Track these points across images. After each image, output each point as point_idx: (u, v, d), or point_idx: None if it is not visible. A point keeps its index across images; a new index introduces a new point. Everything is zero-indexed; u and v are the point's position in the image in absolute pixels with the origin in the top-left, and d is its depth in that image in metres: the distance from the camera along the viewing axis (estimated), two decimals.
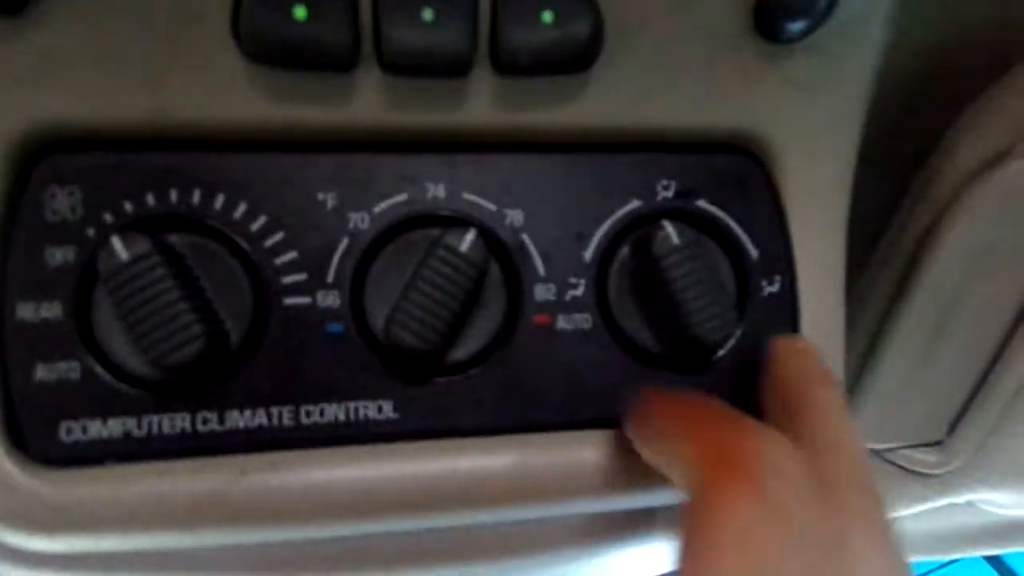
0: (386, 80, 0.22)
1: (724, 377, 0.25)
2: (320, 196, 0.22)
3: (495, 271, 0.24)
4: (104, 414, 0.21)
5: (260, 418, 0.22)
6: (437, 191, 0.23)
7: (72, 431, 0.21)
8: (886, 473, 0.37)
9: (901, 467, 0.37)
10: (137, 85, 0.21)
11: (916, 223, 0.30)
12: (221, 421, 0.22)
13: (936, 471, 0.36)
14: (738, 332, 0.25)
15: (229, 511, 0.22)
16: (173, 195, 0.22)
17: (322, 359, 0.22)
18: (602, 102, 0.23)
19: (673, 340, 0.24)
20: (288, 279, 0.22)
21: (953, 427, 0.35)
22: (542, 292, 0.24)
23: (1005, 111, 0.28)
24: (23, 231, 0.21)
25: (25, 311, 0.21)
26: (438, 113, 0.23)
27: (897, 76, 0.27)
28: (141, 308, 0.20)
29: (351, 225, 0.23)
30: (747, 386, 0.24)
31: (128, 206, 0.21)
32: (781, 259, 0.25)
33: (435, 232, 0.22)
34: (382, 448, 0.23)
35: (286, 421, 0.22)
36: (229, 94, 0.21)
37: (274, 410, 0.22)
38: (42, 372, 0.21)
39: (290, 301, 0.22)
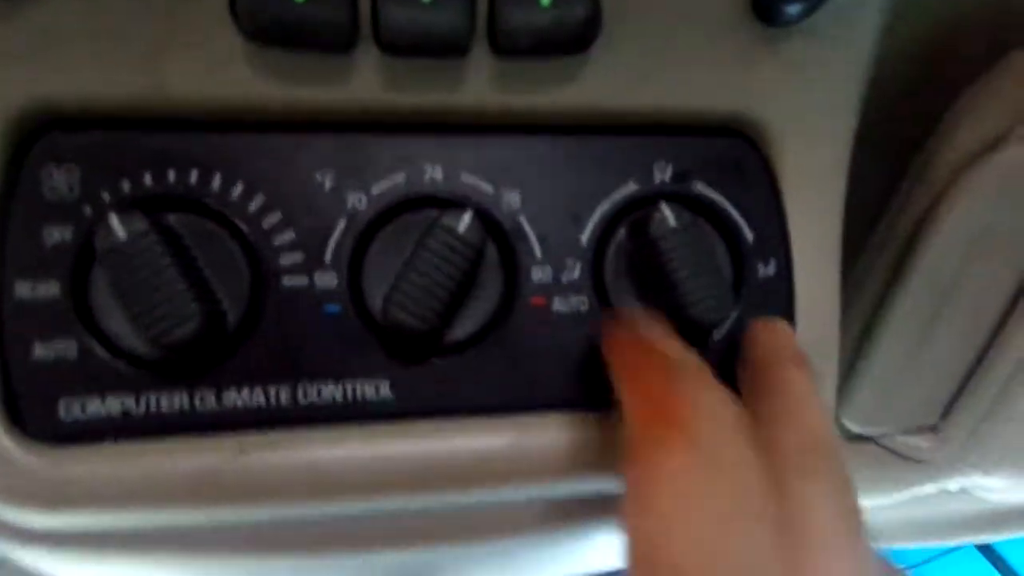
0: (384, 61, 0.22)
1: (720, 358, 0.25)
2: (318, 177, 0.22)
3: (492, 253, 0.24)
4: (102, 392, 0.21)
5: (258, 397, 0.22)
6: (435, 172, 0.23)
7: (71, 409, 0.21)
8: (879, 458, 0.38)
9: (894, 452, 0.37)
10: (135, 64, 0.21)
11: (913, 207, 0.30)
12: (219, 400, 0.22)
13: (929, 456, 0.37)
14: (734, 314, 0.25)
15: (226, 489, 0.22)
16: (171, 175, 0.22)
17: (320, 339, 0.22)
18: (600, 84, 0.23)
19: (669, 321, 0.24)
20: (286, 259, 0.22)
21: (947, 412, 0.35)
22: (539, 274, 0.24)
23: (1003, 95, 0.28)
24: (20, 210, 0.21)
25: (23, 289, 0.21)
26: (436, 94, 0.23)
27: (895, 61, 0.28)
28: (138, 286, 0.20)
29: (349, 206, 0.23)
30: None
31: (125, 185, 0.21)
32: (777, 242, 0.25)
33: (433, 213, 0.22)
34: (380, 428, 0.23)
35: (284, 400, 0.22)
36: (227, 73, 0.21)
37: (272, 389, 0.22)
38: (40, 350, 0.21)
39: (288, 281, 0.22)
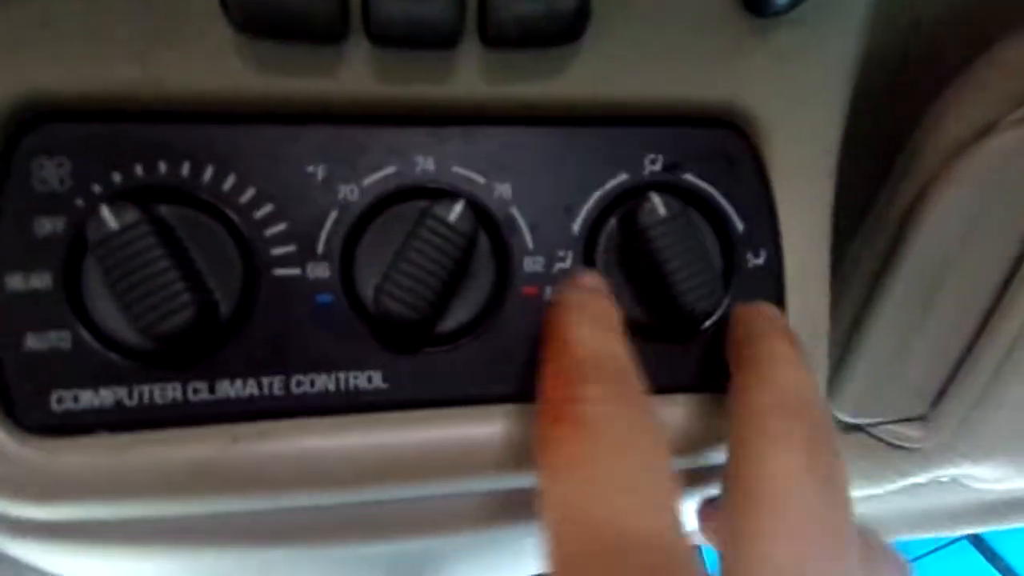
0: (374, 52, 0.22)
1: (710, 348, 0.25)
2: (310, 168, 0.23)
3: (484, 243, 0.24)
4: (95, 383, 0.21)
5: (251, 388, 0.22)
6: (426, 164, 0.23)
7: (63, 400, 0.21)
8: (871, 448, 0.38)
9: (885, 442, 0.38)
10: (126, 56, 0.21)
11: (902, 196, 0.30)
12: (212, 390, 0.22)
13: (920, 445, 0.37)
14: (724, 304, 0.25)
15: (220, 479, 0.22)
16: (162, 166, 0.22)
17: (312, 330, 0.23)
18: (590, 75, 0.23)
19: (660, 311, 0.24)
20: (278, 250, 0.22)
21: (937, 401, 0.36)
22: (530, 264, 0.24)
23: (989, 86, 0.28)
24: (11, 201, 0.21)
25: (14, 281, 0.21)
26: (426, 85, 0.23)
27: (882, 53, 0.28)
28: (130, 277, 0.20)
29: (340, 197, 0.23)
30: None
31: (117, 177, 0.21)
32: (767, 232, 0.26)
33: (424, 204, 0.23)
34: (372, 417, 0.23)
35: (276, 391, 0.22)
36: (218, 65, 0.21)
37: (264, 380, 0.22)
38: (32, 342, 0.21)
39: (280, 272, 0.22)
